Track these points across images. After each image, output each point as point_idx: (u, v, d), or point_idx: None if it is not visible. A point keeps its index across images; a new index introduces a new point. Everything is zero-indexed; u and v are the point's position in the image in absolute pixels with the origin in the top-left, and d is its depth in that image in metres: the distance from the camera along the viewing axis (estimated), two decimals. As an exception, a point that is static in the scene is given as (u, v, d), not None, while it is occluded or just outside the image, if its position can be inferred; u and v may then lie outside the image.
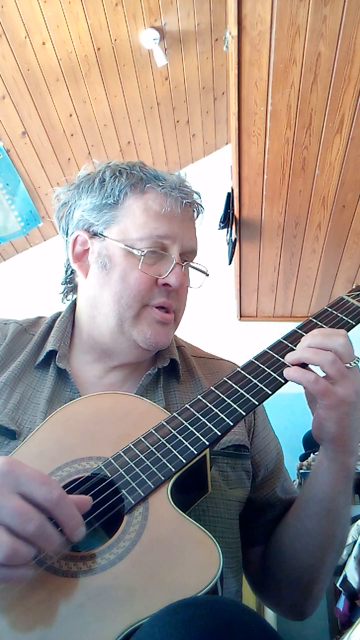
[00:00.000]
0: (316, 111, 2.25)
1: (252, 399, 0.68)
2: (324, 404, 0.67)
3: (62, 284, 0.96)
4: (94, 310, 0.86)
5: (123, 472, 0.64)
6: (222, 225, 2.86)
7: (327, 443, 0.72)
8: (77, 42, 2.87)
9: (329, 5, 1.90)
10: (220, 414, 0.68)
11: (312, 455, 3.12)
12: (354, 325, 0.76)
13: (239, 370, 0.72)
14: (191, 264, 0.90)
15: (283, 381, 0.69)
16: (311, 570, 0.79)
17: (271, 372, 0.70)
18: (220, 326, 3.69)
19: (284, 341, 0.74)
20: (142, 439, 0.67)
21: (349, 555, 2.37)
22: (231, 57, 2.09)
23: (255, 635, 0.45)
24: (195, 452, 0.64)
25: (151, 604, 0.51)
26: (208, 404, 0.69)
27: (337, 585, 2.36)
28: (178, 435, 0.66)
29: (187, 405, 0.70)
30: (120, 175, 0.86)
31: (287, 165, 2.50)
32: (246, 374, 0.71)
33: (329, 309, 0.78)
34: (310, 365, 0.70)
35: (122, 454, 0.66)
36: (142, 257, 0.81)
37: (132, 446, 0.66)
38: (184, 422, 0.68)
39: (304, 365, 0.69)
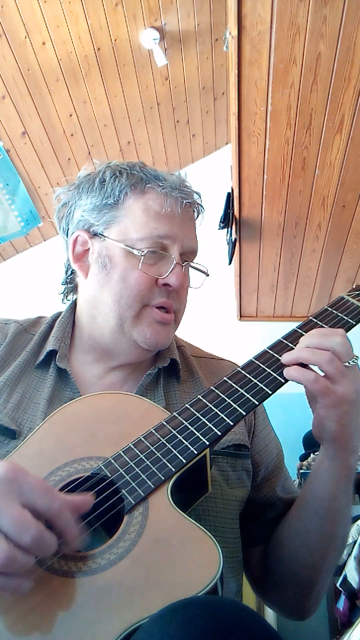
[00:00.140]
0: (316, 111, 2.25)
1: (252, 399, 0.68)
2: (324, 402, 0.67)
3: (62, 284, 0.96)
4: (94, 310, 0.86)
5: (123, 472, 0.64)
6: (222, 225, 2.86)
7: (327, 442, 0.72)
8: (77, 42, 2.87)
9: (329, 5, 1.89)
10: (220, 413, 0.67)
11: (312, 455, 3.12)
12: (355, 325, 0.76)
13: (239, 369, 0.72)
14: (191, 264, 0.90)
15: (283, 381, 0.70)
16: (311, 570, 0.79)
17: (271, 372, 0.70)
18: (220, 326, 3.69)
19: (284, 341, 0.74)
20: (142, 439, 0.67)
21: (349, 555, 2.38)
22: (231, 57, 2.09)
23: (255, 636, 0.45)
24: (196, 452, 0.64)
25: (151, 604, 0.51)
26: (208, 404, 0.69)
27: (337, 585, 2.36)
28: (178, 435, 0.66)
29: (187, 405, 0.70)
30: (120, 175, 0.86)
31: (287, 165, 2.50)
32: (246, 374, 0.71)
33: (329, 309, 0.78)
34: (310, 365, 0.70)
35: (122, 453, 0.66)
36: (142, 257, 0.81)
37: (132, 446, 0.66)
38: (184, 421, 0.68)
39: (304, 365, 0.69)
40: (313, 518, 0.76)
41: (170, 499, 0.61)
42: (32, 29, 2.73)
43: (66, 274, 0.95)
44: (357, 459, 0.75)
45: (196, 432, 0.66)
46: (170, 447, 0.65)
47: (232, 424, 0.66)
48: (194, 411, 0.69)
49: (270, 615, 1.97)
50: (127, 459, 0.65)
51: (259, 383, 0.70)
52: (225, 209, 2.81)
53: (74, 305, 0.95)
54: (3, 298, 3.58)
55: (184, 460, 0.63)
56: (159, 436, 0.67)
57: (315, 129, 2.32)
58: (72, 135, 3.28)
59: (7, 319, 0.95)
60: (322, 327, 0.75)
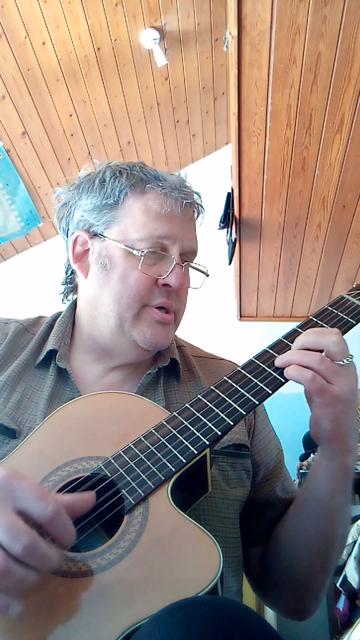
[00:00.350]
0: (316, 111, 2.25)
1: (252, 399, 0.68)
2: (319, 401, 0.68)
3: (62, 284, 0.96)
4: (94, 310, 0.86)
5: (123, 472, 0.64)
6: (222, 225, 2.86)
7: (324, 442, 0.71)
8: (77, 42, 2.87)
9: (329, 5, 1.89)
10: (220, 413, 0.67)
11: (312, 455, 3.12)
12: (355, 324, 0.76)
13: (239, 369, 0.72)
14: (191, 264, 0.90)
15: (283, 380, 0.70)
16: (311, 570, 0.79)
17: (271, 372, 0.70)
18: (220, 326, 3.69)
19: (285, 340, 0.74)
20: (142, 439, 0.67)
21: (349, 555, 2.38)
22: (231, 57, 2.09)
23: (255, 636, 0.45)
24: (196, 452, 0.64)
25: (151, 604, 0.51)
26: (208, 404, 0.69)
27: (337, 585, 2.36)
28: (178, 435, 0.66)
29: (187, 405, 0.70)
30: (120, 175, 0.86)
31: (287, 165, 2.50)
32: (246, 374, 0.71)
33: (330, 308, 0.78)
34: None
35: (122, 453, 0.66)
36: (142, 257, 0.81)
37: (132, 446, 0.66)
38: (184, 421, 0.68)
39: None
40: (311, 518, 0.76)
41: (171, 499, 0.61)
42: (32, 29, 2.73)
43: (66, 274, 0.95)
44: (356, 459, 0.75)
45: (196, 432, 0.66)
46: (171, 447, 0.65)
47: (232, 423, 0.66)
48: (194, 411, 0.69)
49: (270, 615, 1.97)
50: (127, 459, 0.65)
51: (259, 383, 0.70)
52: (225, 209, 2.81)
53: (74, 305, 0.95)
54: (3, 298, 3.58)
55: (184, 460, 0.63)
56: (159, 436, 0.67)
57: (315, 129, 2.32)
58: (72, 135, 3.28)
59: (7, 319, 0.95)
60: (322, 326, 0.75)
